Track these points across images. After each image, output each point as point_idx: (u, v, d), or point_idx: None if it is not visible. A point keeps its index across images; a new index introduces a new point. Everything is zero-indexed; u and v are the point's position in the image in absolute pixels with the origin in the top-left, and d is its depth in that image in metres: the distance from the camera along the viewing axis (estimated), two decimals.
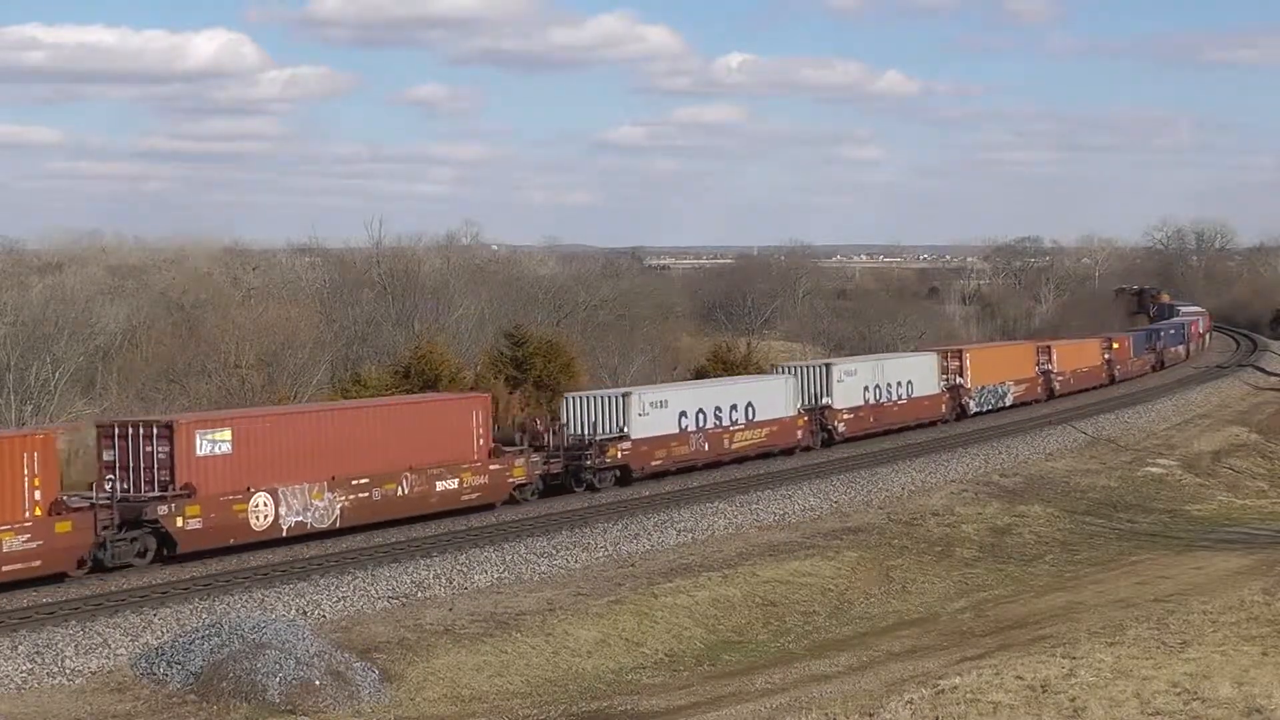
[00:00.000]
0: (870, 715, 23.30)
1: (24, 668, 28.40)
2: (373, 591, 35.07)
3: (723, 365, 78.96)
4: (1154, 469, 64.02)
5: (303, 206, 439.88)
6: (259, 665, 28.21)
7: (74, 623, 30.78)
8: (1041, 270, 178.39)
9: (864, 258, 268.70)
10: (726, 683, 30.23)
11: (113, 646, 29.73)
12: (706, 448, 54.38)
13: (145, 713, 27.26)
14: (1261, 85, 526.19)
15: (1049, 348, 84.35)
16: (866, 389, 64.32)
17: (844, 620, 38.16)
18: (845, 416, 63.17)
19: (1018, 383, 78.39)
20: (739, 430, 56.33)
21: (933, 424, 69.38)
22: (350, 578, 35.79)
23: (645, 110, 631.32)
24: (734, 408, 56.02)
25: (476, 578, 37.20)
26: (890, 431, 65.97)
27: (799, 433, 59.75)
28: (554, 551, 40.25)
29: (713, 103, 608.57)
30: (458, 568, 37.62)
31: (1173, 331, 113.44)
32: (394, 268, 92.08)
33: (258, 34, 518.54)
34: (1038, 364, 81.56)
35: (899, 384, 66.99)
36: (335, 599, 34.20)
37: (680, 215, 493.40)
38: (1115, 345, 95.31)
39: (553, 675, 31.40)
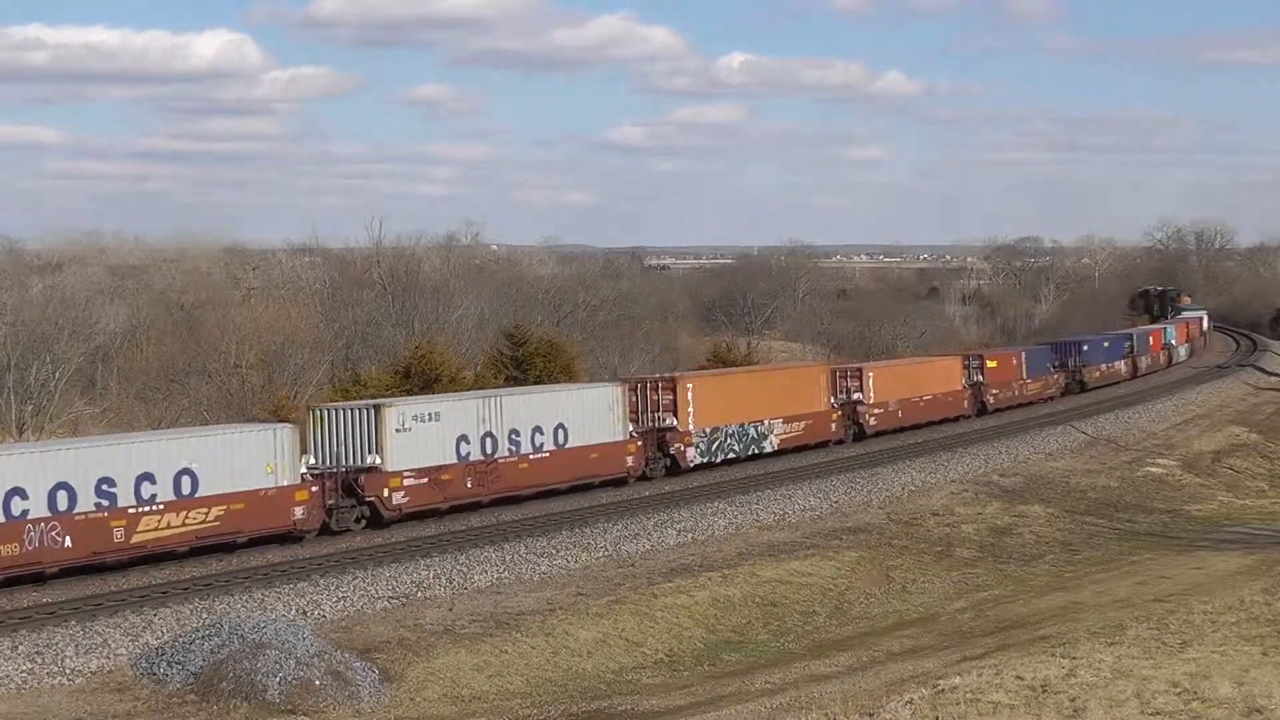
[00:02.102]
0: (870, 715, 23.30)
1: (24, 668, 28.40)
2: (373, 591, 35.07)
3: (722, 365, 79.04)
4: (1154, 469, 64.02)
5: (303, 206, 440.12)
6: (259, 665, 28.20)
7: (74, 623, 30.78)
8: (1041, 270, 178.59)
9: (864, 258, 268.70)
10: (726, 683, 30.23)
11: (113, 646, 29.73)
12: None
13: (145, 713, 27.26)
14: (1261, 85, 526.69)
15: (860, 371, 65.10)
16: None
17: (844, 620, 38.16)
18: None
19: (791, 421, 58.65)
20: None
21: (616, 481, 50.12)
22: (350, 578, 35.79)
23: (646, 110, 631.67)
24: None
25: (476, 578, 37.21)
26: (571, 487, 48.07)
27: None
28: (554, 551, 40.25)
29: (713, 103, 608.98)
30: (458, 568, 37.62)
31: (1107, 345, 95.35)
32: (394, 268, 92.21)
33: (259, 34, 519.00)
34: (835, 394, 62.78)
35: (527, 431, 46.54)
36: (335, 599, 34.20)
37: (680, 215, 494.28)
38: (991, 365, 76.57)
39: (553, 675, 31.40)
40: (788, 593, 39.56)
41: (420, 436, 42.21)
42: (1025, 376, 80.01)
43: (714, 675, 31.80)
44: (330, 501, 40.19)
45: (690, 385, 53.67)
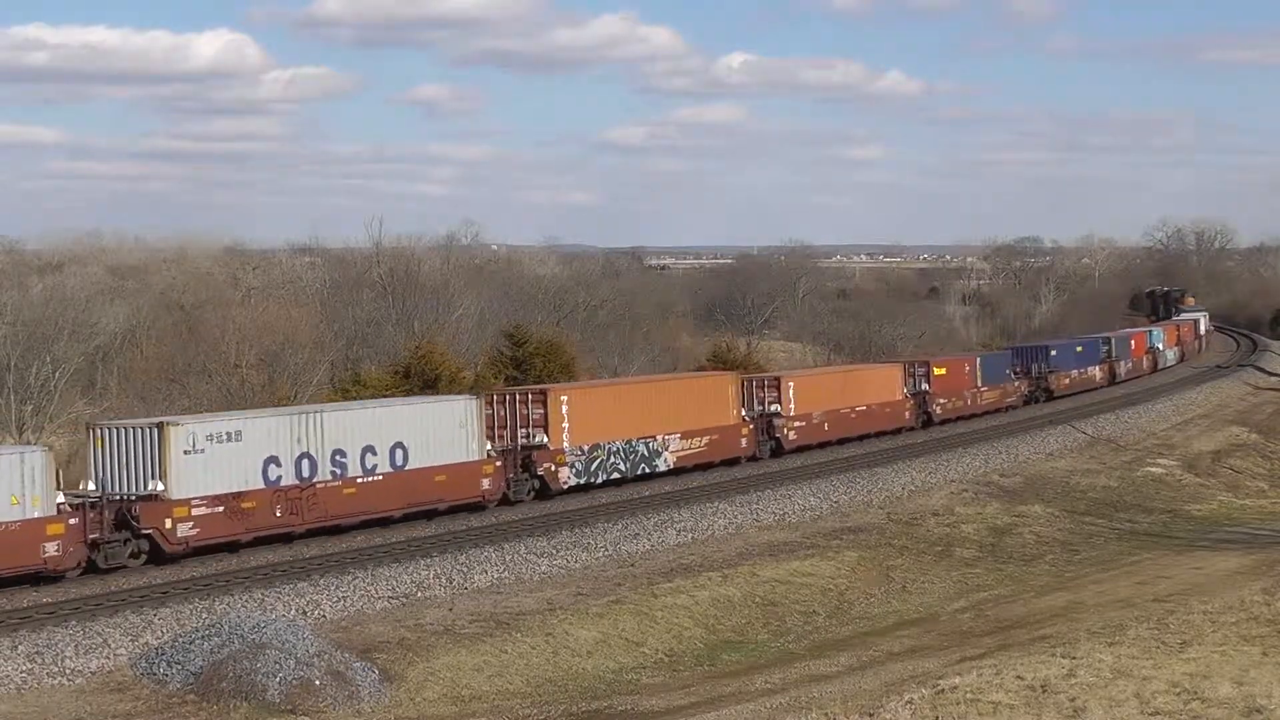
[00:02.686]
0: (870, 715, 23.30)
1: (24, 668, 28.39)
2: (373, 591, 35.06)
3: (722, 365, 79.04)
4: (1154, 469, 64.02)
5: (303, 206, 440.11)
6: (259, 665, 28.19)
7: (74, 623, 30.78)
8: (1041, 270, 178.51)
9: (864, 258, 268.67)
10: (726, 683, 30.23)
11: (113, 646, 29.72)
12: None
13: (145, 713, 27.26)
14: (1261, 85, 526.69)
15: (777, 381, 60.60)
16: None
17: (844, 620, 38.16)
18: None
19: (692, 436, 53.55)
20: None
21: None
22: (350, 578, 35.77)
23: (646, 110, 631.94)
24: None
25: (476, 578, 37.20)
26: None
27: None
28: (554, 551, 40.25)
29: (713, 103, 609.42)
30: (458, 568, 37.61)
31: (1080, 350, 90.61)
32: (394, 268, 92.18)
33: (260, 34, 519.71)
34: (748, 407, 57.81)
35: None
36: (335, 599, 34.19)
37: (680, 215, 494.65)
38: (938, 372, 71.45)
39: (553, 675, 31.40)
40: (788, 593, 39.55)
41: (216, 459, 37.17)
42: (980, 384, 74.59)
43: (714, 675, 31.80)
44: (94, 535, 34.90)
45: (565, 398, 48.59)
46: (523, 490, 46.54)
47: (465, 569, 37.59)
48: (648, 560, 40.73)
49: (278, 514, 38.47)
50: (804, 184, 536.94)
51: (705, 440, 54.18)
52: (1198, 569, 41.29)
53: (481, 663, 31.09)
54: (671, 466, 52.59)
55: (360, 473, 40.54)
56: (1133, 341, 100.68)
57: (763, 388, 59.36)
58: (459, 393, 50.83)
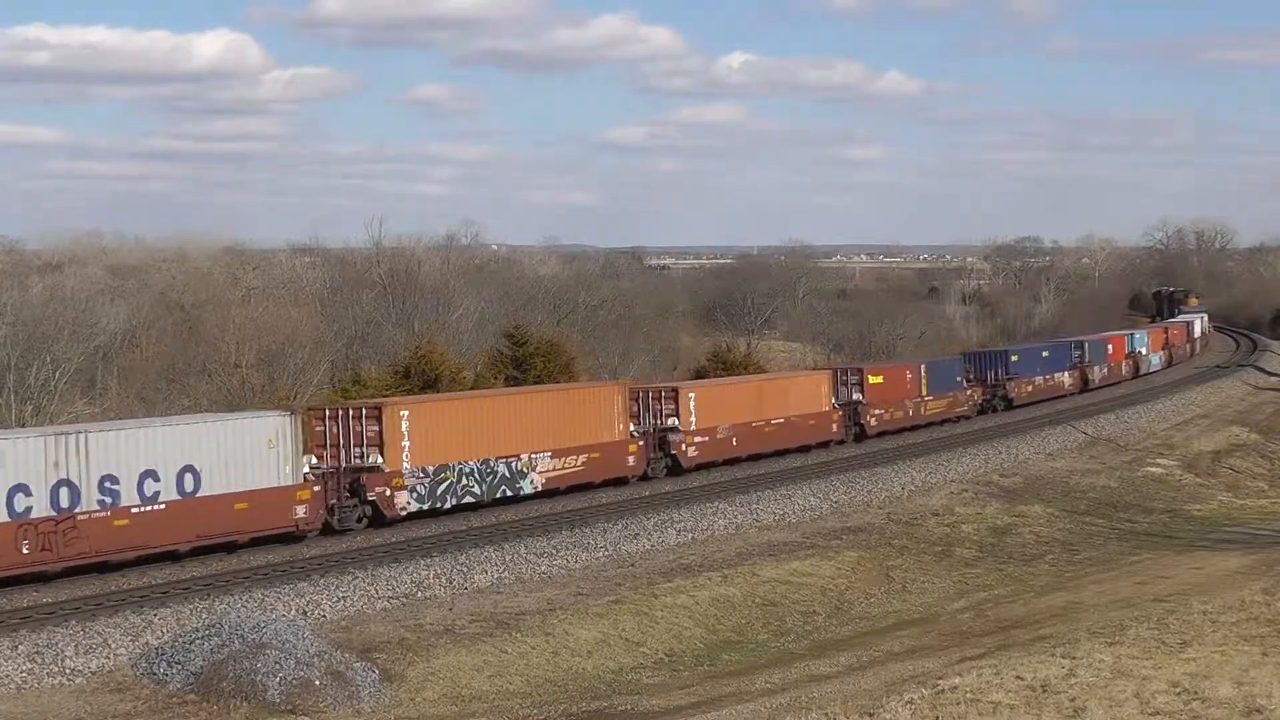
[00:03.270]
0: (870, 715, 23.29)
1: (24, 668, 28.39)
2: (373, 591, 35.06)
3: (723, 365, 79.08)
4: (1154, 469, 64.03)
5: (303, 206, 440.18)
6: (259, 665, 28.20)
7: (74, 623, 30.78)
8: (1041, 270, 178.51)
9: (864, 258, 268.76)
10: (726, 683, 30.23)
11: (113, 646, 29.72)
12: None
13: (145, 713, 27.26)
14: (1261, 85, 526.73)
15: (675, 392, 54.67)
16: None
17: (844, 620, 38.16)
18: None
19: (567, 454, 48.15)
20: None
21: None
22: (350, 578, 35.79)
23: (646, 110, 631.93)
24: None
25: (476, 578, 37.21)
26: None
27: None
28: (554, 551, 40.25)
29: (714, 103, 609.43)
30: (458, 568, 37.62)
31: (1047, 354, 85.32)
32: (394, 268, 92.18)
33: (260, 34, 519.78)
34: (639, 420, 52.77)
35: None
36: (335, 599, 34.20)
37: (680, 215, 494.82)
38: (874, 380, 65.51)
39: (553, 675, 31.40)
40: (788, 593, 39.56)
41: None
42: (925, 393, 69.07)
43: (714, 675, 31.79)
44: None
45: (406, 412, 43.29)
46: (350, 518, 41.63)
47: (465, 569, 37.60)
48: (648, 560, 40.74)
49: (24, 550, 33.51)
50: (804, 184, 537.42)
51: (582, 459, 48.57)
52: (1198, 569, 41.28)
53: (481, 663, 31.10)
54: (540, 489, 47.03)
55: (137, 502, 35.60)
56: (1110, 345, 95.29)
57: (659, 399, 53.83)
58: (278, 409, 44.22)
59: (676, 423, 53.53)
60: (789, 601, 38.99)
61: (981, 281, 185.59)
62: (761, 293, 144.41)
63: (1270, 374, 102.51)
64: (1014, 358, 79.43)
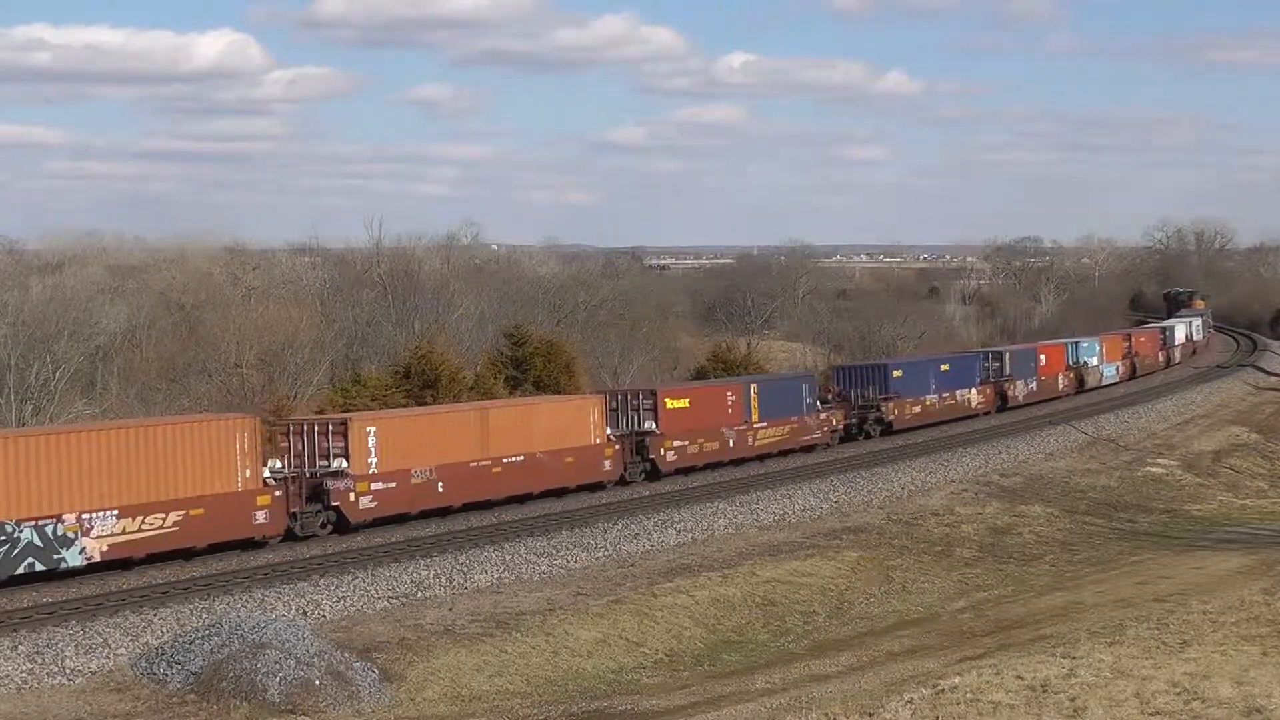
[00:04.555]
0: (870, 715, 23.29)
1: (24, 668, 28.39)
2: (373, 591, 35.06)
3: (723, 365, 79.10)
4: (1154, 469, 64.03)
5: (304, 206, 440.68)
6: (259, 665, 28.20)
7: (74, 623, 30.78)
8: (1041, 270, 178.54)
9: (864, 258, 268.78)
10: (726, 683, 30.23)
11: (113, 646, 29.72)
12: None
13: (145, 713, 27.26)
14: (1261, 85, 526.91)
15: (344, 426, 41.72)
16: None
17: (844, 620, 38.16)
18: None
19: (147, 512, 35.82)
20: None
21: None
22: (350, 578, 35.79)
23: (647, 110, 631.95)
24: None
25: (476, 578, 37.20)
26: None
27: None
28: (554, 551, 40.26)
29: (714, 103, 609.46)
30: (458, 568, 37.62)
31: (947, 368, 72.40)
32: (394, 268, 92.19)
33: (262, 35, 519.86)
34: (291, 462, 41.15)
35: None
36: (335, 599, 34.20)
37: (680, 215, 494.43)
38: (674, 405, 52.99)
39: (553, 675, 31.40)
40: (788, 593, 39.56)
41: None
42: (755, 418, 57.16)
43: (714, 675, 31.80)
44: None
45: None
46: None
47: (465, 569, 37.60)
48: (648, 560, 40.74)
49: None
50: (804, 184, 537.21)
51: (179, 516, 36.28)
52: (1198, 569, 41.29)
53: (481, 663, 31.10)
54: (98, 558, 35.02)
55: None
56: (1042, 355, 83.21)
57: (325, 435, 41.11)
58: None
59: (345, 465, 40.87)
60: (789, 601, 38.98)
61: (981, 281, 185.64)
62: (761, 293, 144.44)
63: (1270, 374, 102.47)
64: (896, 373, 67.22)
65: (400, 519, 42.86)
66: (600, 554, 40.79)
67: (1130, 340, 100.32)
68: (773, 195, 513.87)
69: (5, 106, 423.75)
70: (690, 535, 44.13)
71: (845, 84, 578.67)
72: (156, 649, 29.57)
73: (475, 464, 44.88)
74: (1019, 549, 47.65)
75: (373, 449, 41.62)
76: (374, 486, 41.58)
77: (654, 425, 51.71)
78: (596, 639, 33.67)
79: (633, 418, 51.66)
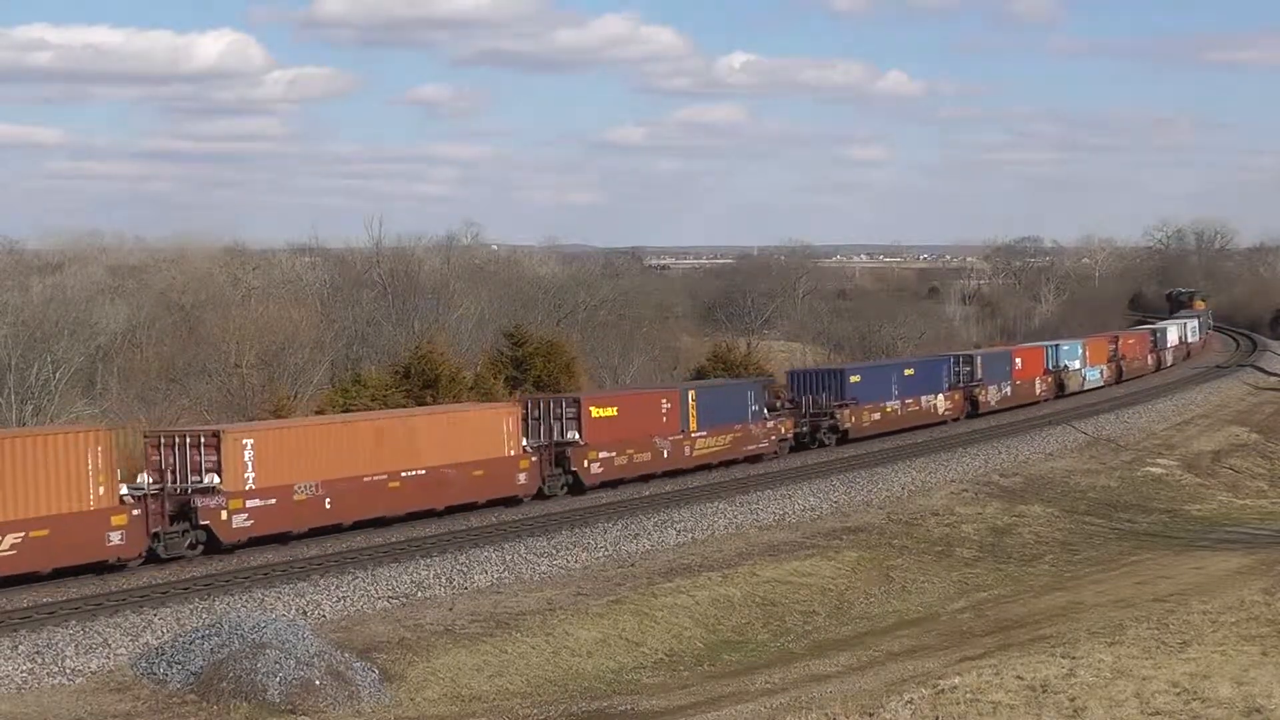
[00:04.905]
0: (870, 715, 23.31)
1: (24, 668, 28.39)
2: (373, 591, 35.07)
3: (723, 365, 79.11)
4: (1154, 469, 64.03)
5: (304, 207, 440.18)
6: (259, 665, 28.20)
7: (74, 623, 30.78)
8: (1041, 270, 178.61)
9: (864, 258, 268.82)
10: (726, 683, 30.24)
11: (113, 646, 29.73)
12: None
13: (145, 713, 27.26)
14: (1261, 85, 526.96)
15: (217, 439, 38.60)
16: None
17: (844, 620, 38.16)
18: None
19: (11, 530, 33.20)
20: None
21: None
22: (350, 578, 35.79)
23: (647, 110, 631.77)
24: None
25: (476, 578, 37.21)
26: None
27: None
28: (554, 551, 40.26)
29: (714, 103, 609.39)
30: (458, 568, 37.63)
31: (910, 372, 69.33)
32: (394, 268, 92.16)
33: (262, 35, 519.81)
34: (158, 475, 38.16)
35: None
36: (335, 599, 34.20)
37: (680, 215, 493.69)
38: (600, 413, 49.45)
39: (553, 675, 31.41)
40: (788, 593, 39.56)
41: None
42: (693, 427, 53.71)
43: (714, 675, 31.80)
44: None
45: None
46: None
47: (465, 569, 37.60)
48: (648, 560, 40.74)
49: None
50: (804, 184, 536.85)
51: (13, 540, 33.28)
52: (1198, 569, 41.30)
53: (481, 663, 31.11)
54: None
55: None
56: (1018, 359, 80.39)
57: (197, 448, 38.07)
58: None
59: (218, 480, 37.94)
60: (789, 601, 38.99)
61: (981, 281, 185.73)
62: (761, 293, 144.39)
63: (1270, 374, 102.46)
64: (853, 378, 63.73)
65: (282, 538, 39.49)
66: (600, 554, 40.79)
67: (1117, 343, 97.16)
68: (773, 195, 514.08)
69: (5, 106, 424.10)
70: (690, 535, 44.13)
71: (845, 84, 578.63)
72: (156, 649, 29.57)
73: (369, 479, 41.62)
74: (1019, 549, 47.65)
75: (249, 463, 38.55)
76: (249, 504, 38.29)
77: (577, 435, 48.41)
78: (596, 639, 33.68)
79: (555, 428, 48.43)
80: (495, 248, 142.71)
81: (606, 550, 41.19)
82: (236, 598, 33.39)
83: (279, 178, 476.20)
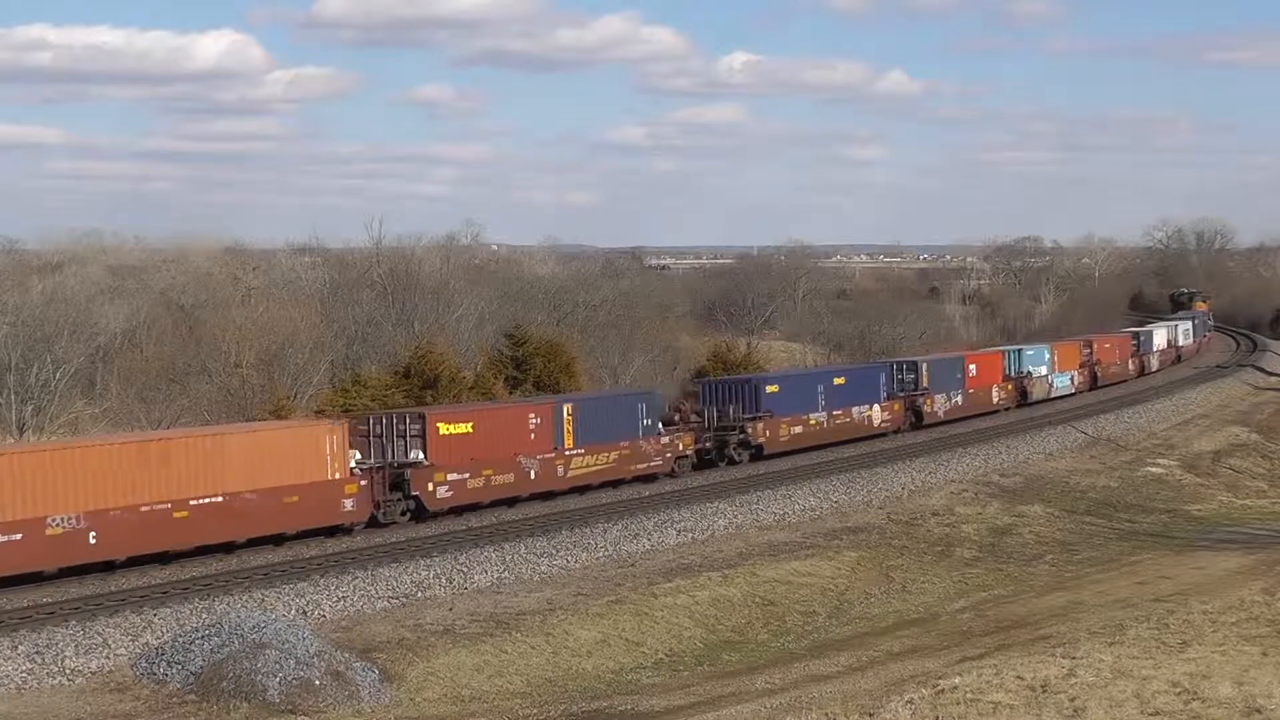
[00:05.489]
0: (870, 715, 23.30)
1: (24, 668, 28.41)
2: (373, 591, 35.08)
3: (723, 365, 79.16)
4: (1154, 469, 64.01)
5: (304, 207, 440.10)
6: (259, 665, 28.22)
7: (74, 623, 30.79)
8: (1041, 270, 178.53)
9: (864, 258, 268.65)
10: (726, 683, 30.24)
11: (113, 646, 29.74)
12: None
13: (145, 713, 27.27)
14: (1261, 85, 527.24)
15: None
16: None
17: (844, 620, 38.17)
18: None
19: None
20: None
21: None
22: (350, 578, 35.80)
23: (648, 110, 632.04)
24: None
25: (476, 578, 37.22)
26: None
27: None
28: (554, 551, 40.27)
29: (715, 103, 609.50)
30: (458, 568, 37.63)
31: (842, 381, 63.41)
32: (394, 268, 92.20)
33: (263, 35, 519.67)
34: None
35: None
36: (335, 599, 34.21)
37: (680, 215, 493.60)
38: (450, 430, 44.35)
39: (553, 675, 31.41)
40: (788, 593, 39.57)
41: None
42: (568, 445, 48.17)
43: (714, 675, 31.80)
44: None
45: None
46: None
47: (465, 569, 37.61)
48: (648, 560, 40.75)
49: None
50: (804, 184, 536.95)
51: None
52: (1198, 569, 41.30)
53: (481, 663, 31.11)
54: None
55: None
56: (972, 366, 73.78)
57: None
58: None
59: None
60: (789, 601, 38.99)
61: (981, 281, 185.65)
62: (761, 293, 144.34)
63: (1270, 374, 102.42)
64: (770, 388, 58.49)
65: (33, 578, 34.23)
66: (600, 554, 40.80)
67: (1092, 347, 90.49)
68: (773, 195, 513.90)
69: (5, 106, 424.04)
70: (690, 535, 44.14)
71: (845, 84, 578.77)
72: (156, 649, 29.58)
73: (148, 508, 36.07)
74: (1019, 549, 47.64)
75: None
76: None
77: (422, 455, 43.35)
78: (596, 639, 33.68)
79: (397, 446, 43.47)
80: (495, 248, 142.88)
81: (606, 550, 41.20)
82: (236, 598, 33.40)
83: (279, 178, 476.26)
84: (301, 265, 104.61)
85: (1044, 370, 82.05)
